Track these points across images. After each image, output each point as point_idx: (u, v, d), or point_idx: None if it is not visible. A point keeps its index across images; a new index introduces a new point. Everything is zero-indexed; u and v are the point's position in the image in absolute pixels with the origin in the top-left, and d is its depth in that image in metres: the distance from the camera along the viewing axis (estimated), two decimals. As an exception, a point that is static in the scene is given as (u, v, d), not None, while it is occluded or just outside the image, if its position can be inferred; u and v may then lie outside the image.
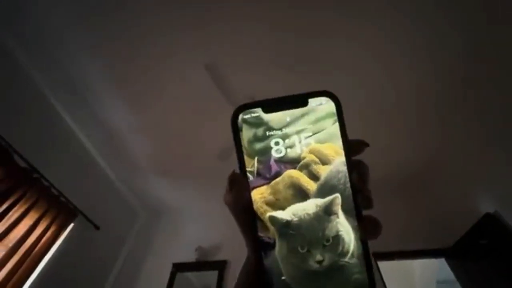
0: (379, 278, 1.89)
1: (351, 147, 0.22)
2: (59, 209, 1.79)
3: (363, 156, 0.23)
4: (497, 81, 1.61)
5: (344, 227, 0.21)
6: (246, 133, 0.23)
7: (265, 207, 0.23)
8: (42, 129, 1.81)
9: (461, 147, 1.97)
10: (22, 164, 1.59)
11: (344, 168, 0.22)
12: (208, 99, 1.79)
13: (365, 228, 0.21)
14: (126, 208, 2.58)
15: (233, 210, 0.24)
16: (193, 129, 2.04)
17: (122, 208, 2.53)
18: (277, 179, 0.23)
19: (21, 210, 1.56)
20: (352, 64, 1.64)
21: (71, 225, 1.92)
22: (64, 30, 1.54)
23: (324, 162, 0.22)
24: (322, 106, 0.22)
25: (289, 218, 0.21)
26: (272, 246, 0.21)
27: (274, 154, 0.23)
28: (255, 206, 0.22)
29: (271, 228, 0.21)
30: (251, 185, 0.23)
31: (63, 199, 1.82)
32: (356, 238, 0.21)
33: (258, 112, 0.23)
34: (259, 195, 0.23)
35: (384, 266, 1.95)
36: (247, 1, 1.40)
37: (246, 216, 0.23)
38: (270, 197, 0.23)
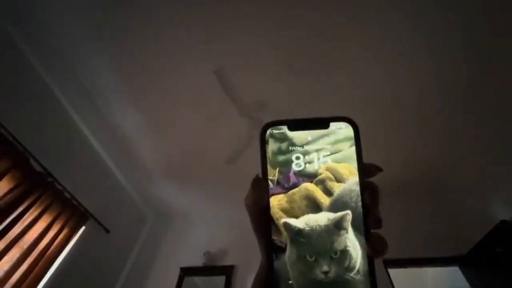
0: (390, 286, 1.84)
1: (365, 170, 0.24)
2: (71, 213, 1.84)
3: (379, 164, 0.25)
4: (501, 82, 1.58)
5: (352, 243, 0.22)
6: (272, 146, 0.26)
7: (281, 213, 0.24)
8: (56, 134, 1.87)
9: (474, 150, 1.92)
10: (38, 168, 1.65)
11: (356, 187, 0.23)
12: (216, 104, 1.82)
13: (373, 246, 0.22)
14: (135, 212, 2.62)
15: (252, 210, 0.26)
16: (201, 135, 2.07)
17: (131, 212, 2.57)
18: (294, 190, 0.25)
19: (36, 212, 1.61)
20: (354, 64, 1.64)
21: (83, 228, 1.97)
22: (78, 39, 1.61)
23: (339, 180, 0.24)
24: (342, 130, 0.25)
25: (301, 227, 0.23)
26: (283, 250, 0.23)
27: (294, 167, 0.25)
28: (271, 211, 0.24)
29: (284, 233, 0.23)
30: (271, 192, 0.25)
31: (75, 202, 1.87)
32: (363, 256, 0.22)
33: (284, 129, 0.26)
34: (276, 201, 0.25)
35: (396, 274, 1.90)
36: (248, 1, 1.42)
37: (263, 218, 0.24)
38: (286, 205, 0.25)
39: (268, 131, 0.26)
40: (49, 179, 1.71)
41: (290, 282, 0.22)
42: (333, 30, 1.50)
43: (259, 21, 1.49)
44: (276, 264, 0.23)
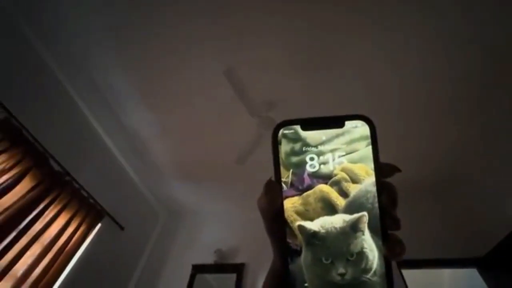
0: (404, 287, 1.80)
1: (382, 170, 0.23)
2: (88, 210, 1.91)
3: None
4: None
5: (368, 245, 0.22)
6: (285, 147, 0.25)
7: (295, 216, 0.24)
8: (73, 136, 1.94)
9: (494, 149, 1.85)
10: (56, 167, 1.72)
11: (373, 188, 0.23)
12: (226, 105, 1.84)
13: (390, 248, 0.22)
14: (148, 211, 2.69)
15: (265, 214, 0.26)
16: (212, 134, 2.09)
17: (145, 211, 2.63)
18: (309, 192, 0.25)
19: (55, 210, 1.68)
20: (363, 61, 1.61)
21: (99, 225, 2.03)
22: (93, 43, 1.66)
23: (355, 181, 0.24)
24: (357, 128, 0.24)
25: (316, 229, 0.23)
26: (298, 253, 0.23)
27: (308, 169, 0.24)
28: (286, 214, 0.24)
29: (299, 236, 0.23)
30: (284, 194, 0.24)
31: (91, 200, 1.93)
32: (380, 257, 0.22)
33: (297, 128, 0.25)
34: (290, 204, 0.24)
35: (410, 275, 1.86)
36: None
37: (277, 222, 0.24)
38: (301, 208, 0.24)
39: (281, 132, 0.25)
40: (67, 178, 1.77)
41: (306, 285, 0.22)
42: (342, 25, 1.48)
43: (266, 21, 1.49)
44: (292, 267, 0.22)
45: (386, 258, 0.22)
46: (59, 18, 1.59)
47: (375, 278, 0.21)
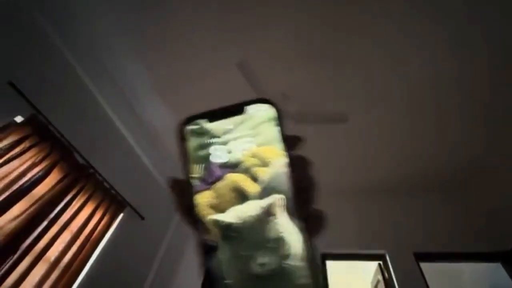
0: (422, 281, 1.77)
1: (288, 143, 0.23)
2: (111, 201, 2.03)
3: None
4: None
5: (287, 229, 0.21)
6: (191, 142, 0.25)
7: (209, 210, 0.23)
8: (96, 131, 2.06)
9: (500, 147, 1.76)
10: (81, 160, 1.82)
11: (285, 169, 0.22)
12: (237, 98, 1.84)
13: (308, 227, 0.20)
14: (167, 201, 2.78)
15: (179, 213, 0.25)
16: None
17: (163, 201, 2.73)
18: (220, 183, 0.24)
19: (82, 200, 1.80)
20: (368, 57, 1.56)
21: (121, 215, 2.16)
22: (110, 36, 1.72)
23: (265, 164, 0.23)
24: (261, 112, 0.24)
25: (229, 221, 0.21)
26: (216, 249, 0.21)
27: (217, 160, 0.24)
28: (199, 209, 0.23)
29: (214, 231, 0.22)
30: (195, 190, 0.24)
31: (113, 192, 2.04)
32: (302, 240, 0.20)
33: (202, 122, 0.24)
34: (204, 199, 0.24)
35: (429, 268, 1.82)
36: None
37: (190, 219, 0.23)
38: (214, 201, 0.23)
39: (187, 128, 0.25)
40: (91, 170, 1.88)
41: (227, 281, 0.20)
42: (355, 26, 1.46)
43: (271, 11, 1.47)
44: (211, 264, 0.21)
45: (308, 240, 0.20)
46: (70, 13, 1.66)
47: (298, 263, 0.20)
